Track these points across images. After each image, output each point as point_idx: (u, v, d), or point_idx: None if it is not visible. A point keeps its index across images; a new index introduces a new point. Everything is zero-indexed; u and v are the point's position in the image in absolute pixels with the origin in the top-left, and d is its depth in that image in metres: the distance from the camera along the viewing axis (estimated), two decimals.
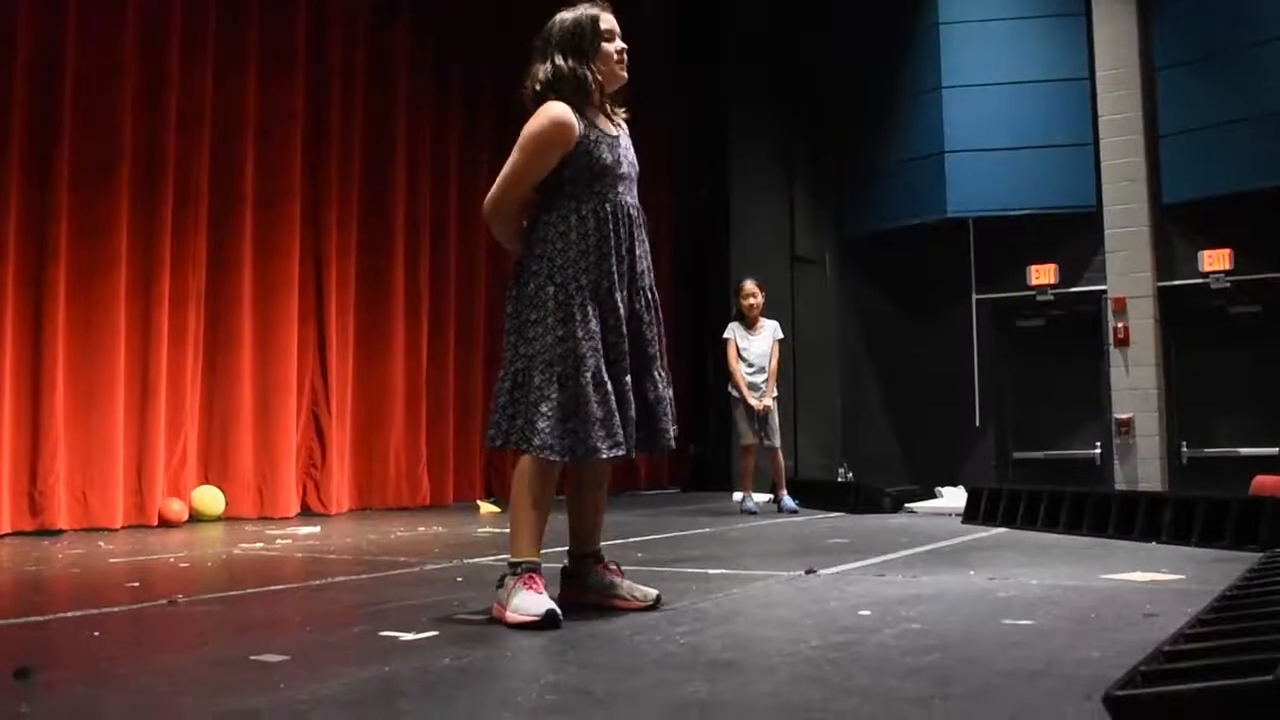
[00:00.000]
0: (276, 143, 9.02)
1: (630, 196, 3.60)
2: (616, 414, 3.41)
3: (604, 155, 3.52)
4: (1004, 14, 12.23)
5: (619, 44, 3.62)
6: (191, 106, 8.39)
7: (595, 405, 3.36)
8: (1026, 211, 11.88)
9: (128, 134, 7.88)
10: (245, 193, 8.76)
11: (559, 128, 3.46)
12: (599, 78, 3.56)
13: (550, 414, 3.35)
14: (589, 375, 3.37)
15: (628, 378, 3.48)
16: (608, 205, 3.50)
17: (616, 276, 3.48)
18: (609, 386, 3.41)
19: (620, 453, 3.41)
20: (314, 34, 9.40)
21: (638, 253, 3.57)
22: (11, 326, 7.28)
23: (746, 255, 12.38)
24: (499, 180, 3.55)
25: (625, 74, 3.64)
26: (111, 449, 7.64)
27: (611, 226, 3.49)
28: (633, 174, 3.64)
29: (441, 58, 10.64)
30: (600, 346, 3.42)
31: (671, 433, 3.63)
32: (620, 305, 3.48)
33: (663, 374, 3.61)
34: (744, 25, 13.20)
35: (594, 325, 3.42)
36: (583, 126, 3.49)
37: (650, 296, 3.61)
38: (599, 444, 3.36)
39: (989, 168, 11.95)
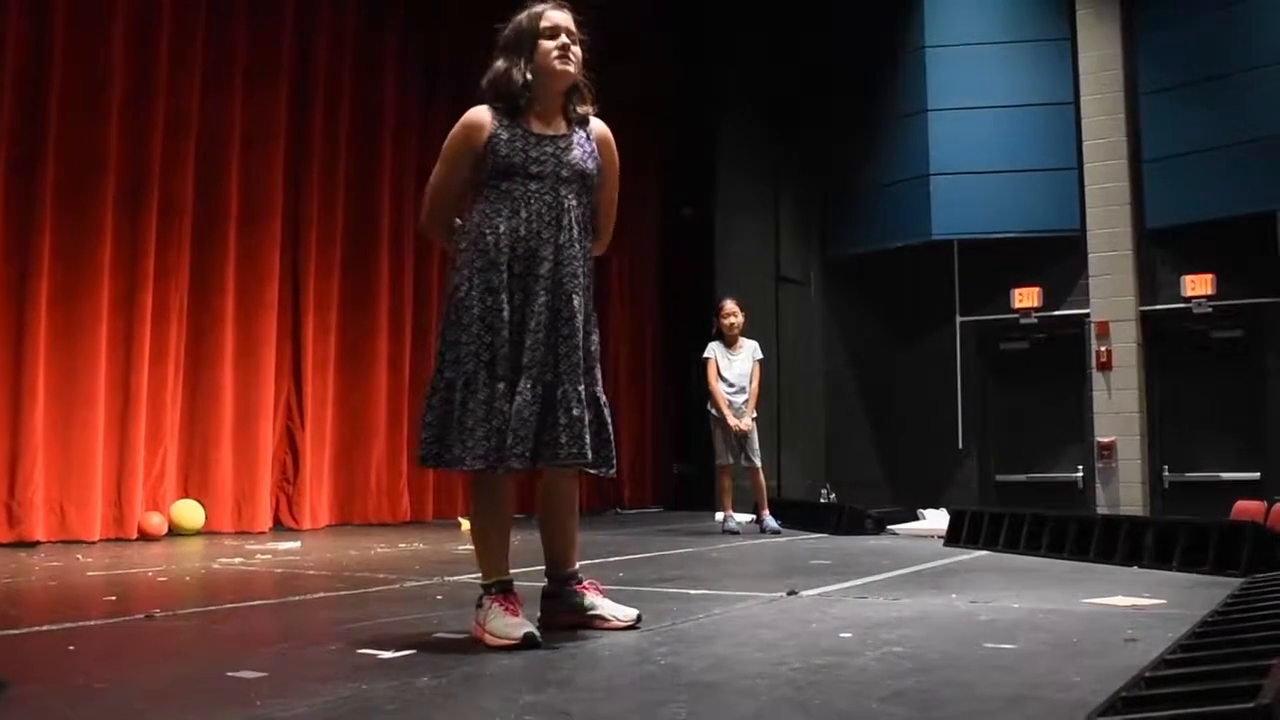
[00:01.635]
0: (260, 157, 9.01)
1: (553, 196, 3.43)
2: (489, 423, 3.26)
3: (513, 155, 3.43)
4: (990, 38, 12.29)
5: (561, 40, 3.49)
6: (177, 119, 8.38)
7: (466, 413, 3.27)
8: (1011, 235, 11.92)
9: (113, 146, 7.87)
10: (229, 207, 8.75)
11: (464, 130, 3.49)
12: (528, 77, 3.47)
13: (432, 422, 3.33)
14: (461, 381, 3.30)
15: (500, 385, 3.30)
16: (513, 203, 3.40)
17: (506, 275, 3.35)
18: (483, 394, 3.28)
19: (480, 465, 3.26)
20: (299, 48, 9.40)
21: (559, 258, 3.40)
22: None
23: (731, 275, 12.39)
24: (427, 189, 3.59)
25: (569, 68, 3.49)
26: (91, 462, 7.60)
27: (514, 225, 3.38)
28: (564, 174, 3.46)
29: (428, 70, 10.63)
30: (482, 351, 3.31)
31: (591, 453, 3.39)
32: (506, 307, 3.34)
33: (583, 390, 3.39)
34: (733, 46, 13.23)
35: (477, 329, 3.32)
36: (496, 126, 3.45)
37: (571, 305, 3.40)
38: (464, 454, 3.26)
39: (974, 191, 11.99)
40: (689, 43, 13.51)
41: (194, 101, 8.52)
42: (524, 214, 3.40)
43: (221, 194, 8.72)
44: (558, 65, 3.48)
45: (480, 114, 3.49)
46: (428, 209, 3.60)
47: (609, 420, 3.50)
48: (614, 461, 3.51)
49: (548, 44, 3.49)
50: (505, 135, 3.45)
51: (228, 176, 8.76)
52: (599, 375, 3.52)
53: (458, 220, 3.58)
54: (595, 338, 3.53)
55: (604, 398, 3.52)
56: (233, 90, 8.81)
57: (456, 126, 3.51)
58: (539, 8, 3.53)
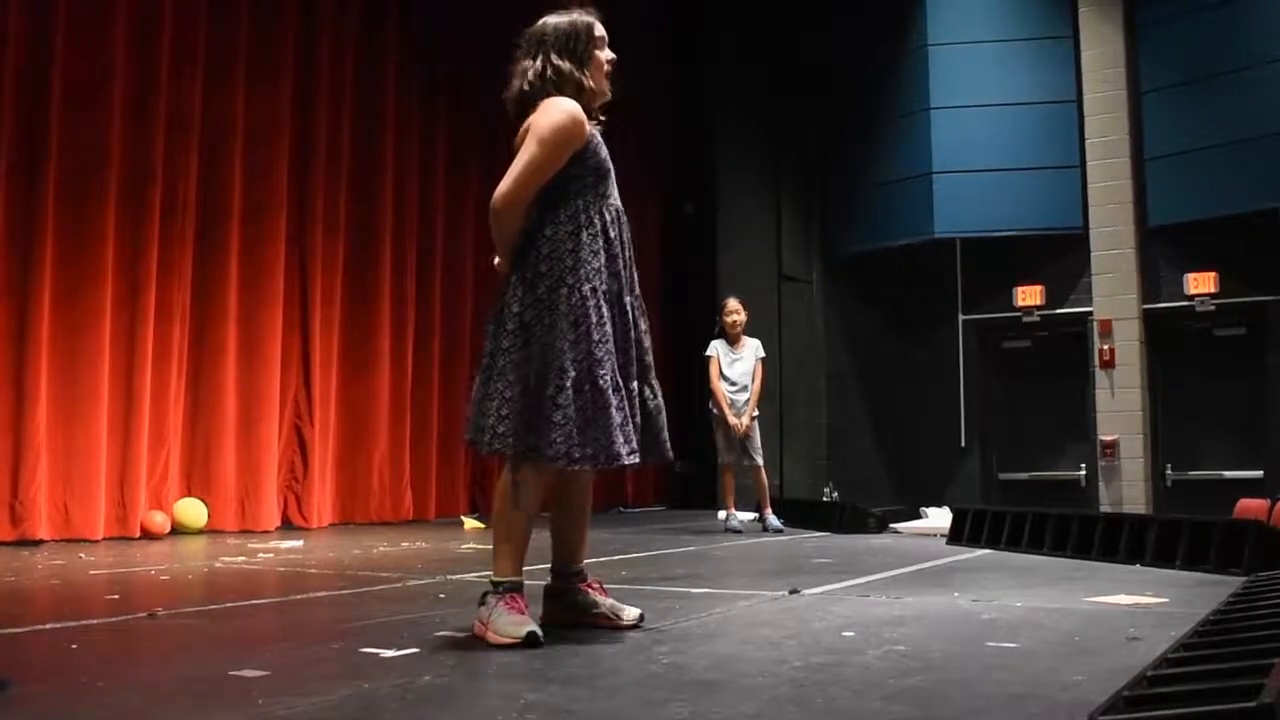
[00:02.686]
0: (264, 154, 9.01)
1: (620, 203, 3.57)
2: (630, 420, 3.37)
3: (607, 157, 3.50)
4: (992, 36, 12.28)
5: (610, 54, 3.58)
6: (180, 117, 8.39)
7: (614, 410, 3.29)
8: (1013, 233, 11.92)
9: (115, 144, 7.87)
10: (232, 205, 8.76)
11: (578, 124, 3.40)
12: (590, 84, 3.52)
13: (565, 422, 3.23)
14: (607, 379, 3.30)
15: (635, 383, 3.44)
16: (612, 208, 3.48)
17: (624, 279, 3.46)
18: (624, 391, 3.36)
19: (637, 459, 3.37)
20: (302, 45, 9.40)
21: (633, 260, 3.56)
22: None
23: (733, 273, 12.40)
24: (515, 175, 3.37)
25: (608, 87, 3.59)
26: (94, 460, 7.61)
27: (616, 229, 3.47)
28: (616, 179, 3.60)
29: (429, 68, 10.64)
30: (614, 351, 3.37)
31: (669, 444, 3.58)
32: (629, 310, 3.46)
33: (657, 383, 3.57)
34: (734, 43, 13.23)
35: (608, 328, 3.35)
36: (591, 125, 3.48)
37: (642, 304, 3.57)
38: (620, 449, 3.29)
39: (976, 189, 11.99)
40: (690, 39, 13.50)
41: (196, 99, 8.52)
42: (621, 220, 3.51)
43: (224, 191, 8.73)
44: (605, 84, 3.59)
45: (579, 110, 3.43)
46: (515, 191, 3.37)
47: None
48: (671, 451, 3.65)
49: (601, 55, 3.57)
50: (596, 136, 3.49)
51: (230, 174, 8.76)
52: None
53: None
54: None
55: None
56: (235, 88, 8.81)
57: (564, 116, 3.38)
58: (588, 16, 3.58)
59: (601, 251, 3.40)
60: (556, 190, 3.42)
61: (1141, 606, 3.94)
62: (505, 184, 3.38)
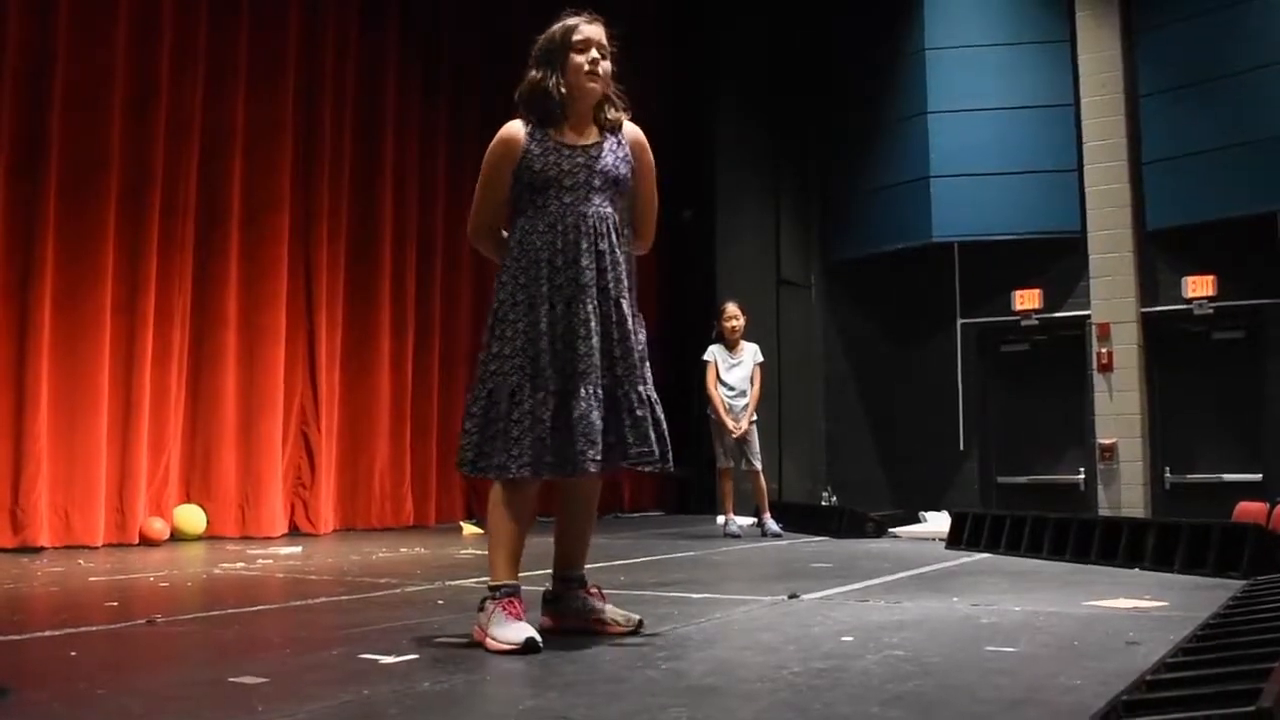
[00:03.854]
0: (265, 154, 9.01)
1: (587, 206, 3.49)
2: (534, 432, 3.32)
3: (547, 169, 3.47)
4: (990, 40, 12.28)
5: (592, 54, 3.54)
6: (180, 117, 8.39)
7: (511, 423, 3.34)
8: (1011, 236, 11.91)
9: (115, 147, 7.87)
10: (233, 206, 8.76)
11: (501, 145, 3.53)
12: (563, 90, 3.52)
13: (471, 430, 3.40)
14: (506, 392, 3.36)
15: (584, 390, 3.35)
16: (549, 216, 3.46)
17: (547, 288, 3.41)
18: (527, 404, 3.34)
19: (526, 473, 3.32)
20: (304, 45, 9.40)
21: (601, 265, 3.47)
22: None
23: (731, 277, 12.40)
24: (471, 205, 3.65)
25: (595, 85, 3.54)
26: (94, 466, 7.61)
27: (548, 238, 3.44)
28: (597, 183, 3.52)
29: (430, 68, 10.64)
30: (527, 363, 3.37)
31: (657, 450, 3.47)
32: (543, 320, 3.39)
33: (642, 390, 3.48)
34: (732, 48, 13.24)
35: (520, 341, 3.39)
36: (529, 140, 3.50)
37: (620, 309, 3.49)
38: (509, 462, 3.32)
39: (974, 192, 11.98)
40: (688, 44, 13.50)
41: (196, 102, 8.52)
42: (560, 226, 3.46)
43: (224, 194, 8.73)
44: (585, 81, 3.54)
45: (514, 129, 3.54)
46: (472, 223, 3.67)
47: (663, 418, 3.55)
48: (670, 458, 3.55)
49: (578, 58, 3.54)
50: (537, 150, 3.50)
51: (230, 176, 8.76)
52: (649, 375, 3.57)
53: (503, 233, 3.62)
54: (642, 337, 3.59)
55: (656, 398, 3.56)
56: (236, 90, 8.82)
57: (493, 142, 3.56)
58: (572, 20, 3.58)
59: (530, 265, 3.44)
60: (513, 205, 3.56)
61: (1141, 610, 3.94)
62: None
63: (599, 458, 3.35)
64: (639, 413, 3.44)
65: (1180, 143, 11.24)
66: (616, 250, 3.52)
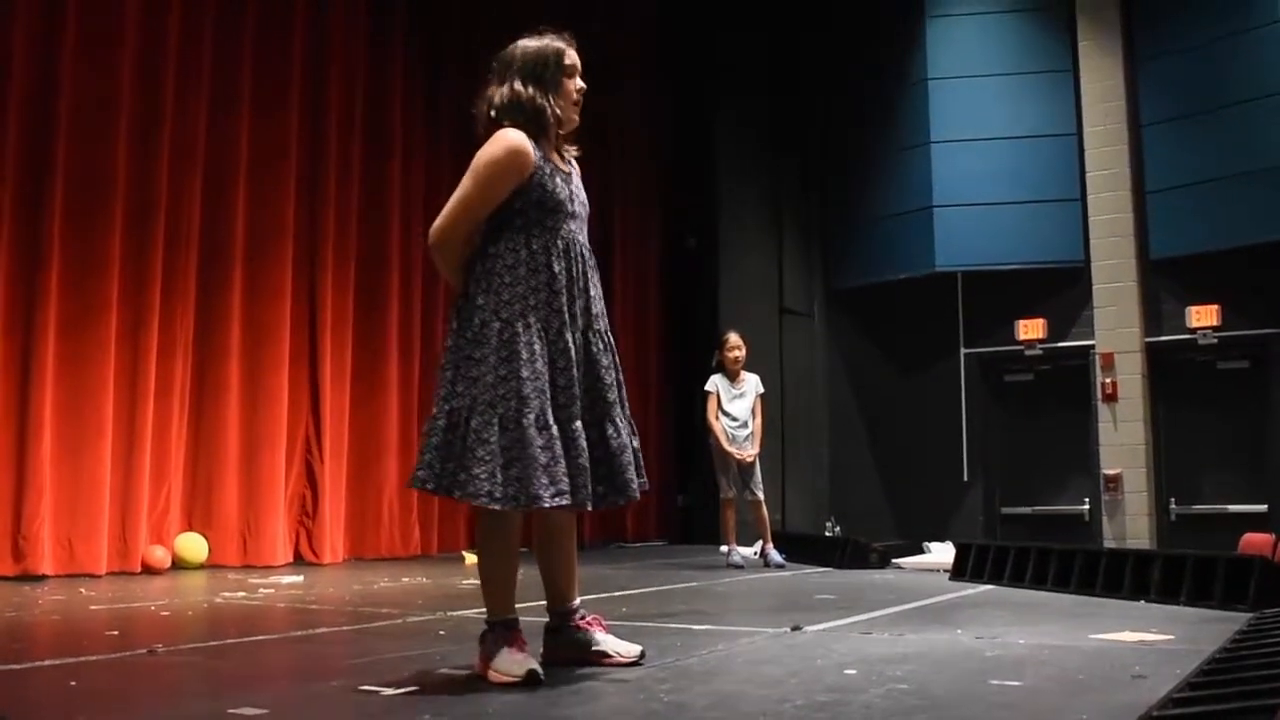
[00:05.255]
0: (269, 180, 9.03)
1: (581, 235, 3.49)
2: (563, 460, 3.23)
3: (558, 189, 3.43)
4: (992, 70, 12.32)
5: (579, 83, 3.54)
6: (184, 144, 8.41)
7: (539, 450, 3.19)
8: (1014, 266, 11.93)
9: (119, 175, 7.88)
10: (236, 233, 8.76)
11: (515, 156, 3.36)
12: (557, 111, 3.49)
13: (488, 459, 3.17)
14: (531, 417, 3.21)
15: (578, 424, 3.31)
16: (560, 241, 3.39)
17: (567, 316, 3.35)
18: (554, 431, 3.25)
19: (565, 501, 3.21)
20: (308, 71, 9.42)
21: (591, 293, 3.46)
22: (0, 368, 7.26)
23: (734, 306, 12.40)
24: (448, 207, 3.40)
25: (577, 117, 3.55)
26: (97, 494, 7.59)
27: (564, 264, 3.38)
28: (583, 213, 3.53)
29: (435, 93, 10.66)
30: (546, 388, 3.27)
31: (636, 484, 3.44)
32: (571, 346, 3.34)
33: (624, 422, 3.47)
34: (734, 77, 13.28)
35: (540, 365, 3.27)
36: (538, 157, 3.41)
37: (606, 340, 3.48)
38: (541, 491, 3.17)
39: (977, 222, 12.01)
40: (690, 74, 13.54)
41: (200, 128, 8.54)
42: (571, 253, 3.42)
43: (228, 221, 8.74)
44: (573, 112, 3.54)
45: (525, 140, 3.39)
46: (450, 230, 3.40)
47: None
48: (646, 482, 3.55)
49: (570, 84, 3.53)
50: (547, 169, 3.42)
51: (235, 203, 8.77)
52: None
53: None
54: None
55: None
56: (240, 116, 8.83)
57: (500, 149, 3.36)
58: (558, 43, 3.54)
59: (543, 287, 3.33)
60: (500, 222, 3.40)
61: (1147, 643, 3.92)
62: (439, 217, 3.40)
63: (599, 491, 3.37)
64: (635, 445, 3.49)
65: (1184, 172, 11.26)
66: (599, 283, 3.56)
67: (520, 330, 3.27)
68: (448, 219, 3.40)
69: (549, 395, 3.27)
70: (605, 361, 3.45)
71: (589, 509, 3.35)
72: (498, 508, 3.19)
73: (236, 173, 8.81)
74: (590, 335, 3.43)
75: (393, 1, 10.30)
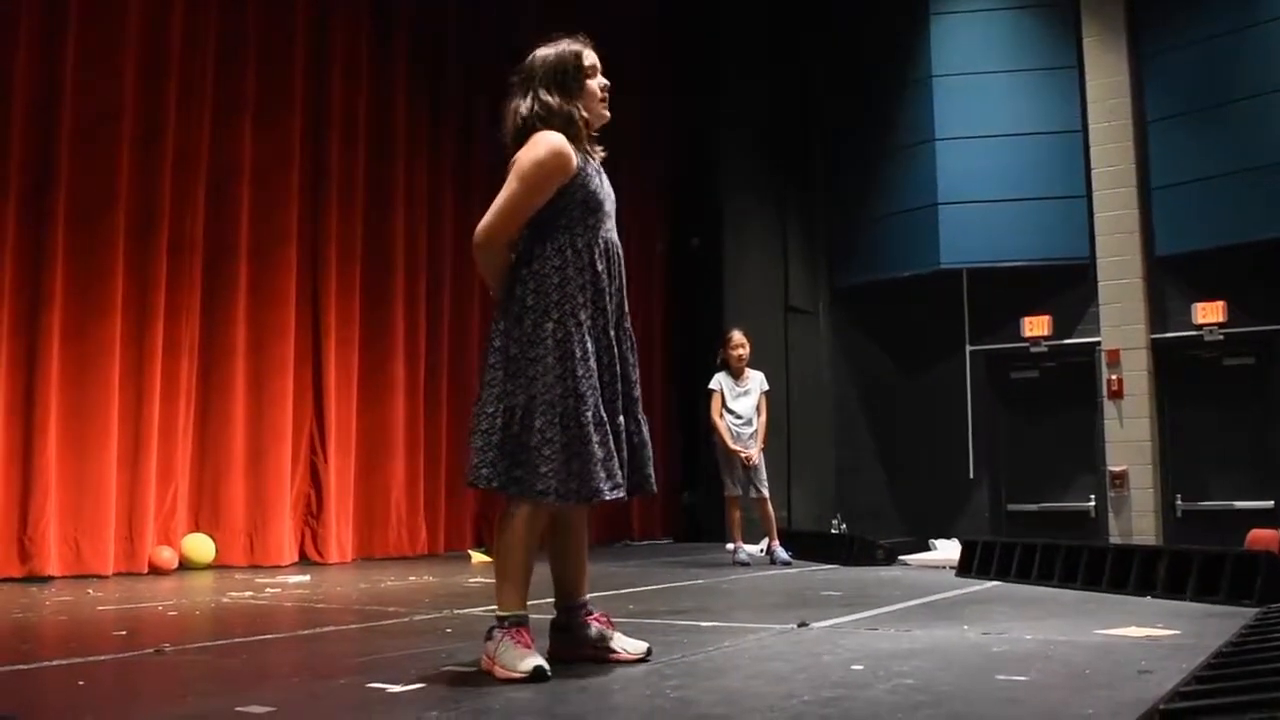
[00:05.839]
0: (273, 186, 9.04)
1: (615, 234, 3.56)
2: (615, 454, 3.36)
3: (599, 189, 3.50)
4: (997, 67, 12.31)
5: (602, 80, 3.58)
6: (188, 150, 8.43)
7: (596, 446, 3.29)
8: (1020, 263, 11.92)
9: (124, 178, 7.91)
10: (240, 239, 8.78)
11: (560, 158, 3.39)
12: (585, 114, 3.52)
13: (553, 457, 3.26)
14: (589, 414, 3.29)
15: (621, 418, 3.44)
16: (602, 240, 3.47)
17: (610, 313, 3.44)
18: (608, 426, 3.36)
19: (621, 494, 3.37)
20: (311, 77, 9.43)
21: (624, 293, 3.56)
22: (5, 371, 7.29)
23: (739, 305, 12.40)
24: (495, 210, 3.42)
25: (607, 112, 3.60)
26: (104, 496, 7.61)
27: (605, 263, 3.46)
28: (613, 209, 3.60)
29: (438, 97, 10.67)
30: (598, 385, 3.36)
31: (653, 477, 3.58)
32: (613, 343, 3.45)
33: (643, 416, 3.56)
34: (739, 75, 13.28)
35: (592, 363, 3.36)
36: (579, 158, 3.46)
37: (631, 336, 3.58)
38: (601, 485, 3.29)
39: (982, 219, 12.00)
40: (693, 74, 13.53)
41: (204, 134, 8.56)
42: (611, 253, 3.50)
43: (232, 226, 8.76)
44: (601, 109, 3.58)
45: (565, 142, 3.43)
46: (500, 231, 3.43)
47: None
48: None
49: (592, 84, 3.56)
50: (588, 170, 3.48)
51: (239, 209, 8.78)
52: None
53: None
54: None
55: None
56: (243, 122, 8.85)
57: (544, 151, 3.39)
58: (575, 45, 3.58)
59: (589, 285, 3.41)
60: (544, 223, 3.43)
61: (1153, 639, 3.91)
62: (486, 219, 3.43)
63: (626, 485, 3.45)
64: (650, 442, 3.57)
65: (1189, 168, 11.25)
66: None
67: (573, 329, 3.35)
68: (497, 220, 3.42)
69: (599, 391, 3.36)
70: (632, 358, 3.55)
71: (626, 499, 3.46)
72: (559, 503, 3.30)
73: (240, 175, 8.82)
74: (620, 331, 3.51)
75: (395, 3, 10.30)
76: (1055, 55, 12.19)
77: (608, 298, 3.44)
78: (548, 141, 3.40)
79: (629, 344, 3.54)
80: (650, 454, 3.56)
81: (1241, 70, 11.00)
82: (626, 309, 3.57)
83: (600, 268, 3.43)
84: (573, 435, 3.28)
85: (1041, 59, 12.26)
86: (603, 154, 3.64)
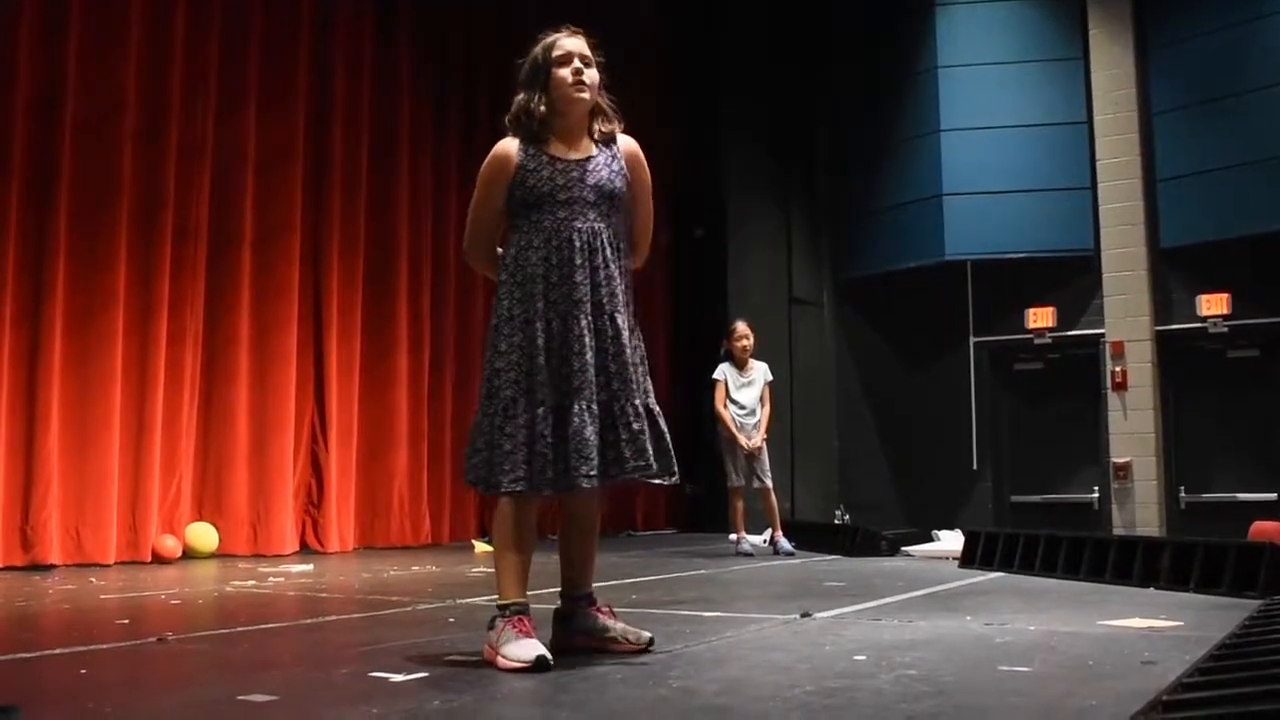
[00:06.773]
0: (277, 178, 9.05)
1: (582, 221, 3.47)
2: (528, 446, 3.32)
3: (540, 185, 3.47)
4: (1002, 58, 12.28)
5: (575, 65, 3.52)
6: (192, 142, 8.45)
7: (504, 436, 3.33)
8: (1024, 255, 11.90)
9: (127, 170, 7.93)
10: (244, 229, 8.79)
11: (493, 163, 3.53)
12: (543, 107, 3.51)
13: (482, 447, 3.39)
14: (500, 405, 3.37)
15: (579, 406, 3.34)
16: (544, 232, 3.45)
17: (548, 303, 3.41)
18: (522, 419, 3.34)
19: (520, 487, 3.30)
20: (315, 68, 9.44)
21: (595, 280, 3.45)
22: (7, 361, 7.31)
23: (743, 296, 12.40)
24: (466, 222, 3.67)
25: (583, 95, 3.52)
26: (106, 485, 7.62)
27: (546, 254, 3.43)
28: (590, 197, 3.50)
29: (442, 89, 10.67)
30: (522, 377, 3.37)
31: (657, 464, 3.44)
32: (554, 333, 3.40)
33: (638, 405, 3.44)
34: (742, 66, 13.26)
35: (515, 356, 3.39)
36: (522, 156, 3.49)
37: (615, 324, 3.46)
38: (501, 477, 3.31)
39: (987, 211, 11.97)
40: (697, 65, 13.52)
41: (208, 126, 8.58)
42: (555, 242, 3.45)
43: (235, 216, 8.77)
44: (573, 93, 3.52)
45: (507, 146, 3.53)
46: (468, 240, 3.68)
47: (665, 429, 3.53)
48: (675, 468, 3.54)
49: (561, 72, 3.52)
50: (531, 165, 3.49)
51: (242, 200, 8.80)
52: (650, 387, 3.57)
53: (498, 250, 3.63)
54: (641, 351, 3.58)
55: (658, 408, 3.54)
56: (247, 115, 8.86)
57: (487, 159, 3.55)
58: (551, 37, 3.58)
59: (528, 279, 3.43)
60: (511, 219, 3.56)
61: (1156, 630, 3.91)
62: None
63: (593, 473, 3.33)
64: (635, 426, 3.40)
65: (1194, 160, 11.23)
66: (611, 265, 3.49)
67: (505, 323, 3.45)
68: (467, 228, 3.68)
69: (524, 384, 3.38)
70: (612, 348, 3.43)
71: (566, 490, 3.38)
72: (487, 493, 3.42)
73: (244, 168, 8.84)
74: (570, 321, 3.41)
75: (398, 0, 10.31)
76: (1061, 47, 12.16)
77: (545, 287, 3.41)
78: (491, 153, 3.56)
79: (611, 333, 3.43)
80: (648, 440, 3.42)
81: (1247, 63, 10.97)
82: (606, 295, 3.46)
83: (542, 258, 3.44)
84: (490, 424, 3.38)
85: (1047, 50, 12.23)
86: (610, 129, 3.62)
